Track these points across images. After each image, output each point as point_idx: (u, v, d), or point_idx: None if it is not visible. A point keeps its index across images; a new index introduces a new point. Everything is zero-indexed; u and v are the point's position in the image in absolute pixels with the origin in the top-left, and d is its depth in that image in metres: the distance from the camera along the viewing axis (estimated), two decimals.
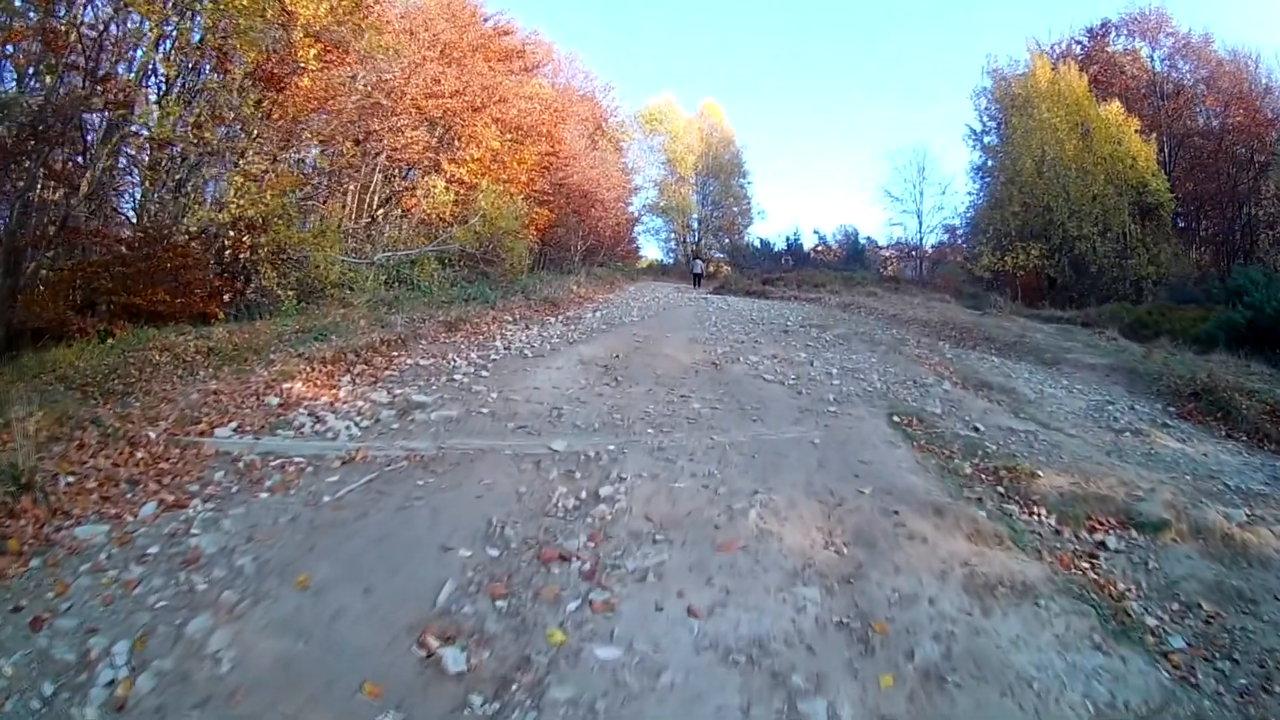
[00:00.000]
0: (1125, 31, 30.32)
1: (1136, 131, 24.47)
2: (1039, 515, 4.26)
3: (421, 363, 6.84)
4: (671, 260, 36.67)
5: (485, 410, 5.34)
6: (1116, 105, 24.85)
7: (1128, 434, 6.76)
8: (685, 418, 5.43)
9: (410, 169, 13.79)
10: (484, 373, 6.60)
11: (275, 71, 9.40)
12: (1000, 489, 4.53)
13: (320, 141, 11.59)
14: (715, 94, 67.89)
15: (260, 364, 6.09)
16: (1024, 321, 16.33)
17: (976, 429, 5.85)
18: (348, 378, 6.14)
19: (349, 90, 11.36)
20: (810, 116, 69.08)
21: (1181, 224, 27.06)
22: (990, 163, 29.30)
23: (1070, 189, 23.97)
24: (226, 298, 9.15)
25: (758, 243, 39.35)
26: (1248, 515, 4.54)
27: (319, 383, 5.82)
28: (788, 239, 39.79)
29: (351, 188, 14.18)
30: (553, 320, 10.68)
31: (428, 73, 13.28)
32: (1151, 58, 29.59)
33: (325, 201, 13.15)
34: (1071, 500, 4.40)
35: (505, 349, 7.76)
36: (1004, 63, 29.84)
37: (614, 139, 29.71)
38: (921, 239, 35.07)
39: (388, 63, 12.54)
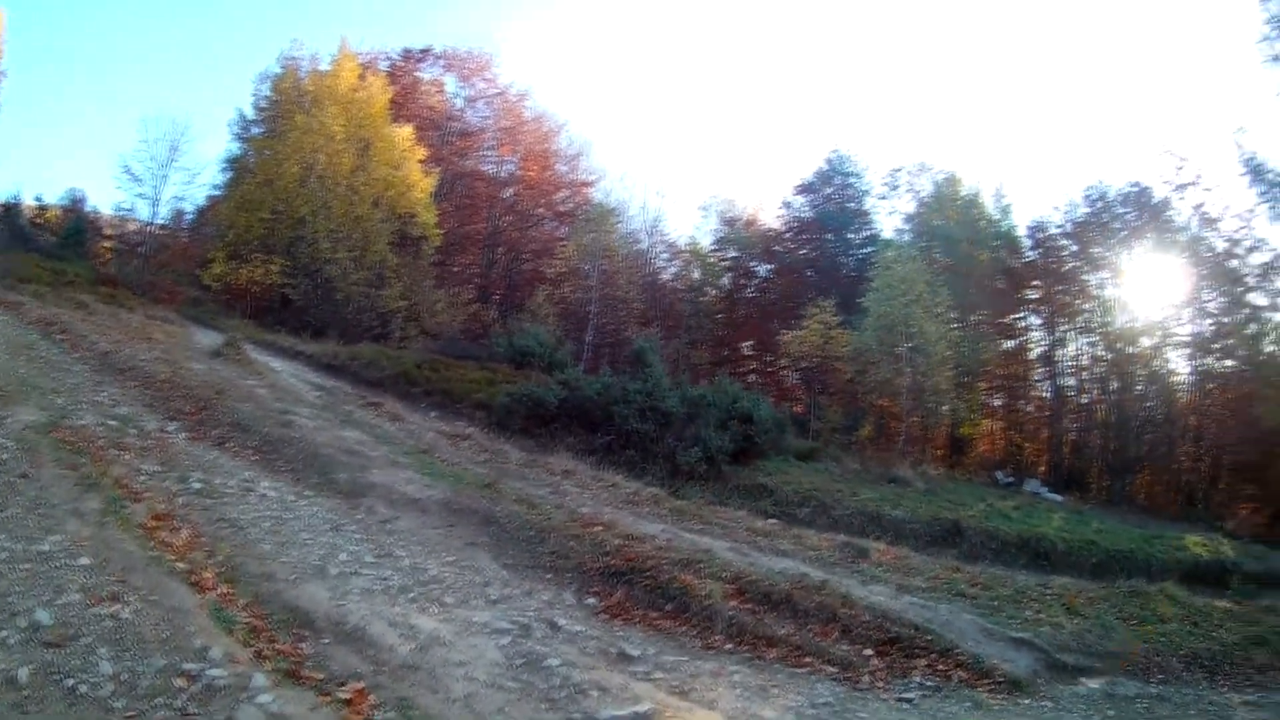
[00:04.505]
0: (443, 64, 30.09)
1: (420, 161, 23.82)
2: None
3: None
4: None
5: None
6: (409, 130, 23.81)
7: None
8: None
9: None
10: None
11: None
12: None
13: None
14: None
15: None
16: (265, 367, 13.35)
17: None
18: None
19: None
20: (104, 56, 58.24)
21: (441, 260, 27.12)
22: (250, 158, 24.63)
23: (334, 205, 21.70)
24: None
25: None
26: None
27: None
28: (7, 201, 29.62)
29: None
30: None
31: None
32: (457, 95, 30.20)
33: None
34: None
35: None
36: (307, 53, 25.57)
37: None
38: (153, 234, 28.09)
39: None
